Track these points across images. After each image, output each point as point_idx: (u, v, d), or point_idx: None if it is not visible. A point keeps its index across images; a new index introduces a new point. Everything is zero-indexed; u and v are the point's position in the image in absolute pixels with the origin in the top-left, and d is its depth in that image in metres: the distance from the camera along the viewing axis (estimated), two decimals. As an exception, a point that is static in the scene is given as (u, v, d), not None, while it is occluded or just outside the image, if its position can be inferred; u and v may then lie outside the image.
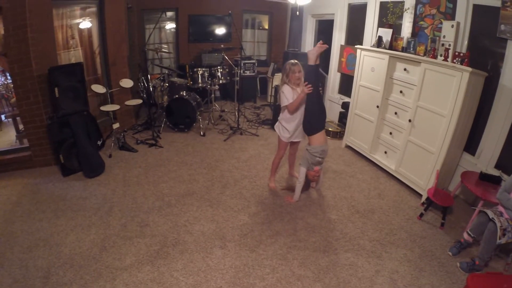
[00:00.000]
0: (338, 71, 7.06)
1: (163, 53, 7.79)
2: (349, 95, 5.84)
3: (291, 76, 3.77)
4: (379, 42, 5.01)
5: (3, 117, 6.00)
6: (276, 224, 3.64)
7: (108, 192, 4.12)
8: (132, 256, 3.07)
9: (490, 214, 2.90)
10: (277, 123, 4.11)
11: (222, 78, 6.54)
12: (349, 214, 3.91)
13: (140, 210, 3.78)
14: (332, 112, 7.24)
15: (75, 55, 5.21)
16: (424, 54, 4.35)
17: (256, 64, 8.30)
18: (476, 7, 3.98)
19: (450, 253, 3.28)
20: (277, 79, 7.45)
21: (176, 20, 8.15)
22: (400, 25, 5.12)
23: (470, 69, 3.47)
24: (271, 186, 4.37)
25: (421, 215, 3.88)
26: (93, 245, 3.18)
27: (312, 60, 3.76)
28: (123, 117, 6.01)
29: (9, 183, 4.26)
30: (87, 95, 4.84)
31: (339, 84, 7.21)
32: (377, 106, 4.88)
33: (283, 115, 3.95)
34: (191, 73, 6.37)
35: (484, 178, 3.63)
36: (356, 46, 5.43)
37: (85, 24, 5.32)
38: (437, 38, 4.27)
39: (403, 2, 4.99)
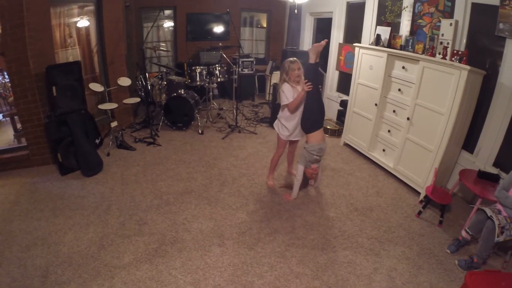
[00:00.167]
0: (337, 69, 7.06)
1: (161, 52, 7.77)
2: (347, 93, 5.84)
3: (290, 74, 3.76)
4: (377, 40, 5.01)
5: (0, 116, 5.99)
6: (274, 222, 3.64)
7: (106, 190, 4.11)
8: (131, 254, 3.07)
9: (488, 212, 2.91)
10: (276, 121, 4.11)
11: (220, 76, 6.53)
12: (347, 212, 3.91)
13: (138, 208, 3.78)
14: (331, 110, 7.24)
15: (72, 54, 5.19)
16: (423, 52, 4.35)
17: (254, 62, 8.29)
18: (474, 6, 3.98)
19: (448, 251, 3.29)
20: (275, 77, 7.44)
21: (174, 18, 8.13)
22: (399, 23, 5.12)
23: (468, 67, 3.47)
24: (270, 184, 4.37)
25: (419, 213, 3.89)
26: (91, 244, 3.18)
27: (312, 59, 3.76)
28: (121, 115, 6.00)
29: (7, 182, 4.25)
30: (85, 94, 4.82)
31: (338, 82, 7.21)
32: (376, 104, 4.88)
33: (283, 113, 3.95)
34: (189, 71, 6.37)
35: (483, 176, 3.63)
36: (354, 44, 5.43)
37: (83, 22, 5.30)
38: (436, 36, 4.27)
39: (402, 0, 4.98)
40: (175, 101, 5.95)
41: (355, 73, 5.35)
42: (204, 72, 6.38)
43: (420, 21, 4.76)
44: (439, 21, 4.34)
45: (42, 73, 4.27)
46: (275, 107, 5.96)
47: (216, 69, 6.46)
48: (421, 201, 4.15)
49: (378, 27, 5.20)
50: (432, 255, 3.25)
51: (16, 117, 5.12)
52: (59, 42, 4.85)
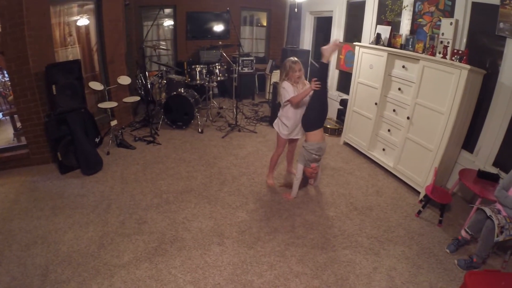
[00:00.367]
0: (337, 68, 7.05)
1: (161, 50, 7.77)
2: (347, 92, 5.83)
3: (291, 74, 3.75)
4: (377, 39, 5.00)
5: (0, 114, 5.98)
6: (274, 221, 3.64)
7: (106, 189, 4.11)
8: (130, 253, 3.07)
9: (488, 211, 2.91)
10: (276, 120, 4.10)
11: (220, 75, 6.53)
12: (347, 211, 3.91)
13: (138, 207, 3.78)
14: (331, 109, 7.20)
15: (72, 53, 5.19)
16: (423, 52, 4.34)
17: (254, 61, 8.28)
18: (475, 5, 3.97)
19: (448, 251, 3.29)
20: (275, 76, 7.43)
21: (174, 17, 8.12)
22: (399, 22, 5.12)
23: (468, 66, 3.47)
24: (269, 183, 4.38)
25: (419, 212, 3.89)
26: (91, 243, 3.18)
27: (326, 58, 3.72)
28: (121, 114, 6.00)
29: (7, 181, 4.25)
30: (85, 93, 4.82)
31: (338, 81, 7.20)
32: (376, 103, 4.88)
33: (283, 112, 3.95)
34: (189, 70, 6.36)
35: (482, 175, 3.63)
36: (354, 43, 5.43)
37: (83, 21, 5.29)
38: (436, 35, 4.26)
39: (402, -1, 4.99)
40: (175, 100, 5.94)
41: (355, 72, 5.34)
42: (204, 71, 6.37)
43: (420, 20, 4.75)
44: (440, 20, 4.34)
45: (42, 72, 4.26)
46: (275, 106, 5.96)
47: (216, 68, 6.46)
48: (420, 201, 4.15)
49: (378, 26, 5.19)
50: (432, 255, 3.25)
51: (16, 116, 5.12)
52: (59, 41, 4.84)
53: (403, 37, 4.85)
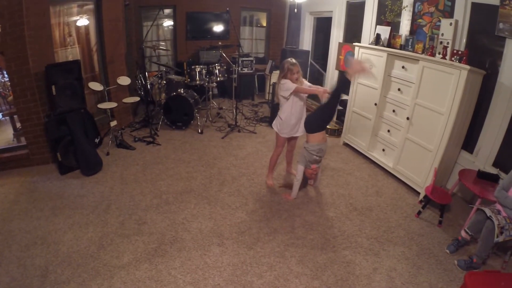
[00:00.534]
0: (336, 68, 7.05)
1: (161, 51, 7.76)
2: (347, 93, 5.83)
3: (289, 76, 3.76)
4: (377, 40, 5.01)
5: (0, 115, 5.97)
6: (274, 222, 3.64)
7: (105, 190, 4.11)
8: (130, 254, 3.07)
9: (488, 212, 2.91)
10: (275, 120, 4.10)
11: (220, 75, 6.52)
12: (347, 212, 3.91)
13: (137, 208, 3.78)
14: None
15: (72, 53, 5.18)
16: (422, 52, 4.35)
17: (254, 62, 8.28)
18: (474, 5, 3.97)
19: (447, 251, 3.29)
20: (275, 76, 7.42)
21: (173, 17, 8.12)
22: (399, 22, 5.12)
23: (468, 67, 3.47)
24: (269, 184, 4.38)
25: (419, 212, 3.89)
26: (90, 243, 3.18)
27: (350, 76, 3.69)
28: (121, 114, 6.00)
29: (7, 181, 4.25)
30: (84, 93, 4.81)
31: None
32: (375, 104, 4.88)
33: (282, 111, 3.95)
34: (188, 70, 6.36)
35: (482, 176, 3.63)
36: (354, 44, 5.43)
37: (82, 21, 5.29)
38: (436, 36, 4.27)
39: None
40: (174, 100, 5.94)
41: (355, 72, 5.33)
42: (204, 71, 6.37)
43: (420, 20, 4.75)
44: (439, 21, 4.34)
45: (42, 72, 4.26)
46: (275, 107, 5.95)
47: (215, 68, 6.45)
48: (420, 201, 4.15)
49: (378, 26, 5.20)
50: (432, 255, 3.25)
51: (15, 116, 5.11)
52: (58, 41, 4.84)
53: (403, 38, 4.86)
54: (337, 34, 6.93)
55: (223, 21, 8.46)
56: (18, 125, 5.03)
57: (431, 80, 3.97)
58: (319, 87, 3.99)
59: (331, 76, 7.24)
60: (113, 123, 5.24)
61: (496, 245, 3.09)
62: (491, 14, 3.74)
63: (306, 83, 3.93)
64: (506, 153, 3.81)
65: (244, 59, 8.06)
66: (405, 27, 5.01)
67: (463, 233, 3.26)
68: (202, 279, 2.82)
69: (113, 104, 5.11)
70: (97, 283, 2.72)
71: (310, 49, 8.24)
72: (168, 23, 8.33)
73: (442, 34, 4.14)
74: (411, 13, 4.88)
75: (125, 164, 4.78)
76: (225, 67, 6.70)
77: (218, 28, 8.48)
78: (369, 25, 5.83)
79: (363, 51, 5.13)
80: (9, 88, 5.26)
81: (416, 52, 4.40)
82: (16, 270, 2.82)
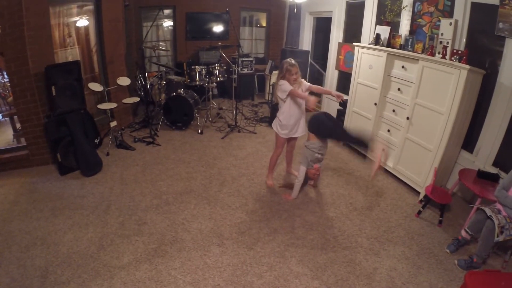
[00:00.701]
0: (336, 68, 7.05)
1: (161, 51, 7.76)
2: (347, 93, 5.83)
3: (287, 77, 3.76)
4: (377, 40, 5.01)
5: (0, 116, 5.98)
6: (274, 222, 3.64)
7: (105, 190, 4.11)
8: (130, 254, 3.06)
9: (488, 211, 2.91)
10: (274, 121, 4.10)
11: (220, 75, 6.52)
12: (347, 212, 3.91)
13: (137, 208, 3.78)
14: (330, 110, 7.23)
15: (72, 54, 5.18)
16: (422, 52, 4.35)
17: (253, 62, 8.28)
18: (474, 5, 3.97)
19: (448, 251, 3.29)
20: (274, 76, 7.39)
21: (173, 17, 8.12)
22: (398, 22, 5.12)
23: (468, 66, 3.47)
24: (269, 184, 4.37)
25: (419, 212, 3.88)
26: (90, 244, 3.18)
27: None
28: (121, 115, 6.00)
29: (7, 182, 4.25)
30: (84, 93, 4.82)
31: (337, 82, 7.19)
32: (375, 104, 4.88)
33: (281, 112, 3.95)
34: (188, 70, 6.35)
35: (482, 175, 3.63)
36: (354, 44, 5.43)
37: (82, 22, 5.29)
38: (435, 35, 4.27)
39: (401, -1, 4.99)
40: (174, 101, 5.94)
41: (355, 72, 5.34)
42: (204, 72, 6.37)
43: (419, 20, 4.75)
44: (439, 21, 4.34)
45: (42, 73, 4.26)
46: (275, 107, 5.94)
47: (215, 69, 6.45)
48: (420, 201, 4.15)
49: (377, 26, 5.20)
50: (432, 255, 3.25)
51: (15, 117, 5.12)
52: (58, 42, 4.84)
53: (403, 38, 4.86)
54: (336, 34, 6.93)
55: (222, 22, 8.46)
56: (18, 126, 5.03)
57: (431, 80, 3.97)
58: (319, 87, 3.99)
59: (331, 76, 7.24)
60: (113, 124, 5.24)
61: (496, 245, 3.09)
62: (490, 14, 3.74)
63: (305, 84, 3.93)
64: (506, 153, 3.81)
65: (244, 59, 8.06)
66: (404, 27, 5.01)
67: (463, 233, 3.26)
68: (202, 279, 2.82)
69: (113, 105, 5.11)
70: (97, 283, 2.72)
71: (310, 49, 8.24)
72: (167, 23, 8.34)
73: (442, 34, 4.14)
74: (410, 13, 4.88)
75: (125, 165, 4.78)
76: (225, 67, 6.70)
77: (217, 28, 8.48)
78: (369, 25, 5.83)
79: (362, 51, 5.13)
80: (9, 89, 5.27)
81: (416, 52, 4.40)
82: (16, 271, 2.82)
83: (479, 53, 3.98)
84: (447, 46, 4.00)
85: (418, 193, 4.27)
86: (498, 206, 3.01)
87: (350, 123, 5.61)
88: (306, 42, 8.30)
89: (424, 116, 4.09)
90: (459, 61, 3.70)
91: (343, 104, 6.07)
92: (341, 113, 6.34)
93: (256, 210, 3.85)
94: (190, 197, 4.05)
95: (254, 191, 4.23)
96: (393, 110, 4.65)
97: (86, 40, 5.45)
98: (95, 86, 4.91)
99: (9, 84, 4.73)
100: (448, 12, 4.27)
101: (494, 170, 3.78)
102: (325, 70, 7.56)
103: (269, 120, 6.65)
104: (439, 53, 4.07)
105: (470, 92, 3.71)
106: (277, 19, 9.17)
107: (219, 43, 6.88)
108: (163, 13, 7.99)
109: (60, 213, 3.64)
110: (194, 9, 8.09)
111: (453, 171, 4.40)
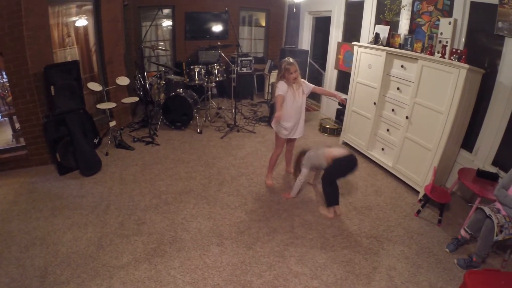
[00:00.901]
0: (335, 68, 7.05)
1: (160, 51, 7.76)
2: (346, 92, 5.83)
3: (287, 76, 3.76)
4: (376, 39, 5.01)
5: (-1, 116, 5.98)
6: (273, 221, 3.64)
7: (105, 190, 4.11)
8: (129, 254, 3.06)
9: (487, 211, 2.91)
10: (274, 120, 4.10)
11: (219, 75, 6.52)
12: (346, 211, 3.91)
13: (137, 208, 3.77)
14: (329, 109, 7.24)
15: (71, 53, 5.18)
16: (421, 51, 4.35)
17: (253, 61, 8.29)
18: (473, 4, 3.97)
19: (447, 250, 3.29)
20: (274, 76, 7.42)
21: (172, 17, 8.11)
22: (397, 22, 5.12)
23: (467, 66, 3.47)
24: (268, 183, 4.37)
25: (418, 211, 3.89)
26: (90, 244, 3.17)
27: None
28: (120, 115, 6.00)
29: (6, 182, 4.24)
30: (83, 93, 4.81)
31: (336, 81, 7.19)
32: (374, 103, 4.88)
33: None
34: (187, 70, 6.36)
35: (481, 175, 3.64)
36: (353, 43, 5.43)
37: (81, 22, 5.28)
38: (435, 35, 4.27)
39: (400, -1, 4.99)
40: (173, 101, 5.94)
41: (354, 72, 5.34)
42: (203, 71, 6.37)
43: (419, 19, 4.75)
44: (438, 20, 4.34)
45: (41, 73, 4.26)
46: (274, 106, 5.95)
47: (214, 68, 6.45)
48: (420, 200, 4.15)
49: (377, 25, 5.19)
50: (431, 254, 3.25)
51: (14, 117, 5.11)
52: (57, 42, 4.83)
53: (402, 37, 4.86)
54: (336, 34, 6.93)
55: (222, 21, 8.45)
56: (17, 125, 5.02)
57: (430, 79, 3.97)
58: (324, 89, 3.97)
59: (330, 76, 7.24)
60: (112, 124, 5.23)
61: (496, 244, 3.09)
62: (490, 13, 3.74)
63: (308, 86, 3.97)
64: (505, 152, 3.81)
65: (243, 58, 8.06)
66: (404, 26, 5.00)
67: (462, 232, 3.26)
68: (201, 279, 2.82)
69: (112, 105, 5.11)
70: (97, 283, 2.72)
71: (309, 49, 8.24)
72: (167, 23, 8.32)
73: (441, 33, 4.14)
74: (410, 12, 4.88)
75: (124, 164, 4.78)
76: (224, 67, 6.70)
77: (217, 28, 8.47)
78: (368, 25, 5.83)
79: (362, 51, 5.13)
80: (8, 89, 5.26)
81: (415, 51, 4.40)
82: (16, 271, 2.82)
83: (479, 53, 3.98)
84: (446, 45, 4.00)
85: (418, 192, 4.27)
86: (498, 205, 3.01)
87: (350, 122, 5.61)
88: (305, 41, 8.30)
89: (424, 115, 4.09)
90: (458, 61, 3.70)
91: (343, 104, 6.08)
92: (341, 112, 6.34)
93: (256, 209, 3.85)
94: (189, 196, 4.05)
95: (253, 191, 4.23)
96: (393, 110, 4.65)
97: (85, 40, 5.45)
98: (94, 86, 4.91)
99: (8, 84, 4.72)
100: (447, 11, 4.27)
101: (493, 169, 3.78)
102: (324, 69, 7.56)
103: (268, 119, 6.65)
104: (438, 52, 4.07)
105: (469, 91, 3.71)
106: (277, 19, 9.16)
107: (218, 43, 6.87)
108: (162, 12, 7.97)
109: (59, 213, 3.63)
110: (193, 9, 8.07)
111: (452, 170, 4.40)
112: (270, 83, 7.75)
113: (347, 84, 5.70)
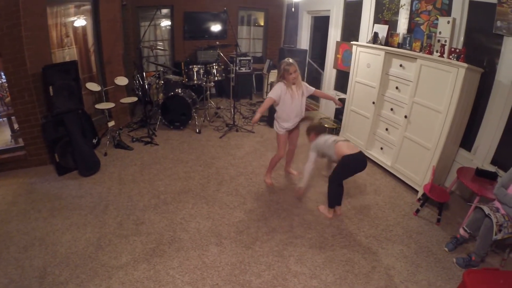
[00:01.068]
0: (334, 67, 7.05)
1: (158, 51, 7.75)
2: (345, 92, 5.84)
3: (286, 76, 3.75)
4: (375, 38, 5.00)
5: (-3, 116, 5.97)
6: (272, 221, 3.64)
7: (103, 190, 4.10)
8: (128, 254, 3.06)
9: (486, 210, 2.91)
10: (274, 121, 4.10)
11: (218, 75, 6.52)
12: (345, 210, 3.91)
13: (135, 208, 3.77)
14: (328, 109, 7.24)
15: (69, 54, 5.17)
16: (420, 50, 4.35)
17: (251, 61, 8.29)
18: (472, 3, 3.97)
19: (446, 249, 3.29)
20: (272, 75, 7.44)
21: (171, 17, 8.10)
22: (396, 21, 5.11)
23: (466, 65, 3.47)
24: (268, 183, 4.37)
25: (417, 211, 3.89)
26: (89, 244, 3.17)
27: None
28: (118, 115, 5.99)
29: (5, 182, 4.24)
30: (82, 94, 4.80)
31: (335, 81, 7.19)
32: (373, 102, 4.88)
33: (278, 114, 3.96)
34: (186, 70, 6.35)
35: (480, 174, 3.64)
36: (352, 43, 5.43)
37: (80, 22, 5.28)
38: (433, 34, 4.27)
39: (399, -2, 4.99)
40: (172, 100, 5.93)
41: (353, 71, 5.34)
42: (202, 71, 6.37)
43: (417, 19, 4.75)
44: (437, 19, 4.34)
45: (39, 73, 4.25)
46: (273, 106, 5.94)
47: (213, 68, 6.44)
48: (419, 199, 4.15)
49: (375, 25, 5.20)
50: (430, 253, 3.25)
51: (13, 118, 5.11)
52: (55, 42, 4.82)
53: (400, 36, 4.86)
54: (334, 33, 6.92)
55: (220, 21, 8.45)
56: (16, 126, 5.02)
57: (429, 78, 3.97)
58: (322, 92, 3.95)
59: (329, 75, 7.24)
60: (111, 124, 5.23)
61: (495, 243, 3.09)
62: (488, 12, 3.74)
63: (309, 88, 3.99)
64: (504, 151, 3.81)
65: (242, 58, 8.06)
66: (402, 25, 5.00)
67: (461, 231, 3.26)
68: (200, 279, 2.82)
69: (110, 105, 5.11)
70: (95, 283, 2.72)
71: (307, 48, 8.24)
72: (165, 23, 8.31)
73: (440, 32, 4.14)
74: (408, 12, 4.88)
75: (123, 165, 4.77)
76: (223, 66, 6.69)
77: (215, 27, 8.46)
78: (367, 24, 5.83)
79: (360, 50, 5.13)
80: (7, 90, 5.26)
81: (414, 51, 4.40)
82: (14, 271, 2.82)
83: (477, 52, 3.98)
84: (445, 45, 4.00)
85: (416, 191, 4.27)
86: (497, 204, 3.01)
87: (349, 122, 5.61)
88: (304, 41, 8.31)
89: (422, 114, 4.09)
90: (457, 60, 3.71)
91: (341, 102, 6.08)
92: (340, 112, 6.34)
93: (255, 209, 3.85)
94: (188, 196, 4.05)
95: (252, 190, 4.23)
96: (391, 109, 4.65)
97: (83, 40, 5.44)
98: (93, 86, 4.91)
99: (6, 85, 4.72)
100: (446, 11, 4.27)
101: (492, 168, 3.78)
102: (323, 69, 7.55)
103: (267, 119, 6.63)
104: (437, 51, 4.07)
105: (468, 90, 3.72)
106: (275, 18, 9.16)
107: (217, 43, 6.88)
108: (160, 12, 7.96)
109: (58, 213, 3.63)
110: (192, 9, 8.07)
111: (451, 169, 4.40)
112: (269, 83, 7.76)
113: (346, 84, 5.70)
